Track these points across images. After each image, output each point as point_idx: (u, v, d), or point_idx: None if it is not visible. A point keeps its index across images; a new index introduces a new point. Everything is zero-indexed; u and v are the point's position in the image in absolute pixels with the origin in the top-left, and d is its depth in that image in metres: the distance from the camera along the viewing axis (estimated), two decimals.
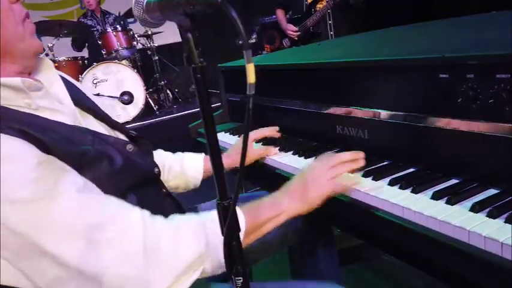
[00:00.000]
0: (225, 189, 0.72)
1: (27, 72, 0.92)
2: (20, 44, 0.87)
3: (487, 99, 0.88)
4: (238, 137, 1.69)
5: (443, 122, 0.97)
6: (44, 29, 4.55)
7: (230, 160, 1.33)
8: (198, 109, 0.69)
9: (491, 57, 0.86)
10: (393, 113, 1.10)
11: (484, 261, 0.74)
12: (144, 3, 0.72)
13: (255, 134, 1.45)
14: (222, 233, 0.73)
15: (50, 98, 0.92)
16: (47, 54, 4.63)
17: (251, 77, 0.58)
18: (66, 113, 0.92)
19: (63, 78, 1.03)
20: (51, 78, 0.97)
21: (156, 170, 1.02)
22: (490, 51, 0.88)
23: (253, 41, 4.91)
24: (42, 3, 6.25)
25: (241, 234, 0.78)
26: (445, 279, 0.88)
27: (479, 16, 1.88)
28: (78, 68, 4.60)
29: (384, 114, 1.13)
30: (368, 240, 1.16)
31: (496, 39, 1.14)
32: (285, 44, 4.23)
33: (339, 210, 1.08)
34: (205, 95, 0.67)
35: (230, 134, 1.78)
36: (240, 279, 0.74)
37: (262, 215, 0.93)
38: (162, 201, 1.06)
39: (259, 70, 1.73)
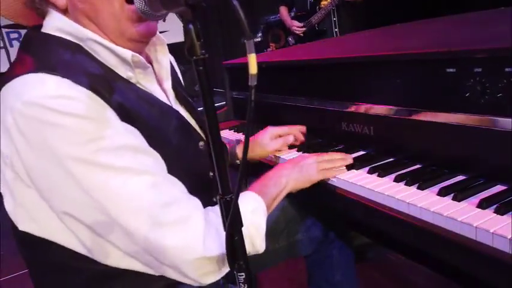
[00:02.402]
0: (228, 184, 0.71)
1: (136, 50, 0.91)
2: (114, 23, 0.85)
3: (495, 94, 0.86)
4: (243, 133, 1.68)
5: (450, 118, 0.95)
6: None
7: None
8: (201, 108, 0.68)
9: (499, 50, 0.85)
10: (399, 108, 1.09)
11: (491, 257, 0.72)
12: None
13: (280, 130, 1.37)
14: (224, 228, 0.72)
15: (152, 78, 0.94)
16: None
17: (253, 68, 0.56)
18: (162, 95, 0.95)
19: (170, 62, 1.04)
20: (160, 58, 0.98)
21: (211, 174, 1.01)
22: (498, 44, 0.86)
23: (259, 39, 4.90)
24: None
25: (264, 215, 0.90)
26: (451, 276, 0.87)
27: (488, 12, 1.85)
28: None
29: (389, 110, 1.11)
30: (373, 238, 1.15)
31: (505, 33, 1.12)
32: (290, 42, 4.21)
33: (346, 207, 1.06)
34: (207, 87, 0.66)
35: (234, 131, 1.77)
36: (242, 275, 0.73)
37: (270, 194, 0.98)
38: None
39: (263, 67, 1.73)
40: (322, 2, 3.95)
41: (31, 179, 0.75)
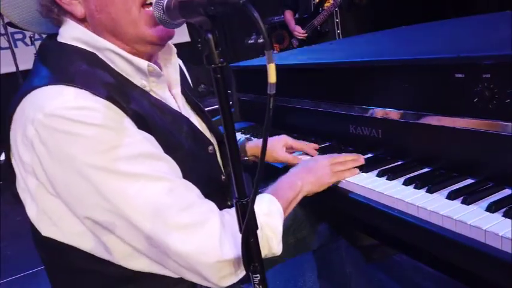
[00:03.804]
0: (243, 188, 0.73)
1: (147, 56, 0.93)
2: (132, 29, 0.87)
3: (504, 99, 0.88)
4: (252, 136, 1.70)
5: (458, 122, 0.97)
6: None
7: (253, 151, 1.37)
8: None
9: (508, 57, 0.86)
10: (407, 112, 1.10)
11: (500, 260, 0.74)
12: (164, 4, 0.74)
13: (294, 143, 1.36)
14: (240, 231, 0.74)
15: (164, 85, 0.97)
16: None
17: (272, 77, 0.59)
18: (172, 102, 0.98)
19: (180, 67, 1.07)
20: (169, 64, 1.01)
21: (223, 177, 1.03)
22: (506, 51, 0.88)
23: (263, 40, 4.90)
24: None
25: (281, 217, 0.92)
26: (460, 278, 0.88)
27: (495, 15, 1.87)
28: None
29: (398, 113, 1.13)
30: (383, 240, 1.17)
31: None
32: (293, 44, 4.23)
33: (354, 210, 1.08)
34: (224, 94, 0.68)
35: (241, 133, 1.79)
36: (257, 277, 0.75)
37: (286, 197, 0.99)
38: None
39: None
40: (325, 4, 3.97)
41: (53, 187, 0.77)
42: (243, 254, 0.75)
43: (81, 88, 0.77)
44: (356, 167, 1.14)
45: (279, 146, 1.34)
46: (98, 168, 0.74)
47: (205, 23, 0.65)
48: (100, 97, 0.77)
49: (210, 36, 0.65)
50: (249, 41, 5.38)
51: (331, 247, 1.35)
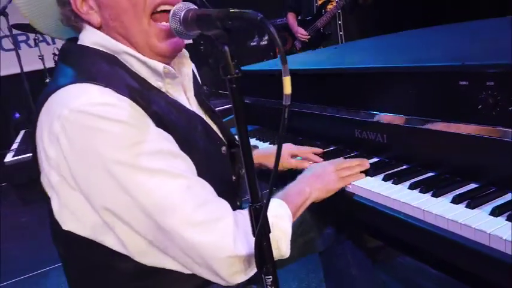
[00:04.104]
0: (257, 193, 0.76)
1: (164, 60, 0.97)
2: (142, 39, 0.92)
3: (507, 106, 0.91)
4: (256, 139, 1.73)
5: (462, 128, 1.00)
6: None
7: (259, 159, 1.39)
8: None
9: (510, 66, 0.89)
10: (412, 118, 1.13)
11: (504, 263, 0.77)
12: (182, 16, 0.77)
13: (298, 151, 1.40)
14: (253, 234, 0.77)
15: (179, 87, 1.01)
16: None
17: (287, 89, 0.61)
18: (186, 103, 1.02)
19: (192, 70, 1.11)
20: (183, 68, 1.05)
21: (234, 177, 1.06)
22: (509, 60, 0.91)
23: (265, 42, 4.95)
24: None
25: (289, 221, 0.94)
26: (464, 280, 0.91)
27: (497, 20, 1.90)
28: None
29: (403, 119, 1.16)
30: (388, 242, 1.19)
31: None
32: (296, 46, 4.26)
33: (361, 212, 1.11)
34: (240, 104, 0.71)
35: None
36: (269, 278, 0.78)
37: (295, 202, 1.02)
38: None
39: (278, 74, 1.76)
40: (328, 6, 4.00)
41: (75, 181, 0.80)
42: (256, 255, 0.77)
43: (105, 86, 0.80)
44: (361, 172, 1.17)
45: (284, 154, 1.37)
46: (119, 163, 0.78)
47: (222, 35, 0.68)
48: (122, 95, 0.81)
49: (226, 48, 0.68)
50: (252, 43, 5.42)
51: (337, 249, 1.37)
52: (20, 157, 4.24)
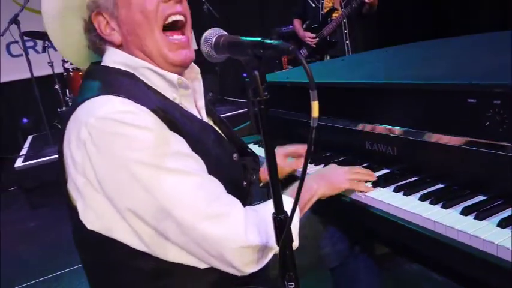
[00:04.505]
0: (281, 204, 0.82)
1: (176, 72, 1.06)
2: (156, 50, 1.01)
3: None
4: (259, 146, 1.81)
5: (470, 143, 1.06)
6: None
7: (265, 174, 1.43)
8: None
9: None
10: (422, 132, 1.19)
11: (510, 271, 0.82)
12: (213, 42, 0.83)
13: (290, 151, 1.50)
14: (277, 243, 0.83)
15: (191, 99, 1.10)
16: (71, 64, 4.79)
17: (315, 112, 0.68)
18: (197, 114, 1.10)
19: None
20: (194, 81, 1.13)
21: (245, 183, 1.14)
22: None
23: None
24: None
25: (297, 215, 0.99)
26: (472, 287, 0.97)
27: (498, 34, 1.96)
28: None
29: (413, 132, 1.22)
30: (398, 250, 1.25)
31: None
32: (302, 54, 4.33)
33: (373, 222, 1.17)
34: (267, 122, 0.77)
35: (259, 146, 1.88)
36: (292, 285, 0.84)
37: (302, 198, 1.08)
38: None
39: (289, 86, 1.84)
40: (334, 14, 4.07)
41: (99, 184, 0.87)
42: (280, 264, 0.83)
43: (126, 97, 0.89)
44: (372, 183, 1.23)
45: (282, 163, 1.44)
46: (139, 163, 0.85)
47: (252, 61, 0.74)
48: (141, 105, 0.89)
49: (256, 73, 0.74)
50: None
51: (350, 265, 1.42)
52: (29, 162, 4.29)
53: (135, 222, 0.89)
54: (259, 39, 0.74)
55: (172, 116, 0.95)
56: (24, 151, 4.90)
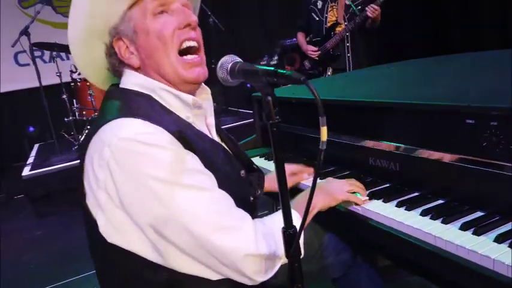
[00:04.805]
0: (291, 219, 0.88)
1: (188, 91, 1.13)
2: (172, 71, 1.08)
3: (509, 144, 1.02)
4: (265, 159, 1.88)
5: (469, 161, 1.11)
6: None
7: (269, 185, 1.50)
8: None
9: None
10: (423, 149, 1.25)
11: (506, 285, 0.88)
12: (229, 69, 0.90)
13: (294, 168, 1.58)
14: (287, 256, 0.89)
15: (202, 118, 1.17)
16: (79, 74, 4.88)
17: (324, 136, 0.73)
18: (207, 131, 1.17)
19: None
20: (205, 100, 1.20)
21: (252, 199, 1.20)
22: (510, 103, 1.02)
23: (275, 62, 5.10)
24: None
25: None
26: None
27: (500, 53, 2.02)
28: None
29: (414, 150, 1.27)
30: (399, 263, 1.30)
31: None
32: (306, 66, 4.40)
33: (376, 236, 1.22)
34: (279, 145, 0.83)
35: (265, 159, 1.94)
36: None
37: (303, 212, 1.13)
38: None
39: (295, 102, 1.89)
40: (337, 28, 4.15)
41: (120, 199, 0.93)
42: (288, 276, 0.89)
43: (145, 120, 0.96)
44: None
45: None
46: (158, 180, 0.92)
47: (266, 88, 0.81)
48: (159, 126, 0.96)
49: (269, 98, 0.80)
50: (261, 62, 5.57)
51: (353, 276, 1.47)
52: (36, 171, 4.36)
53: (152, 235, 0.95)
54: (273, 68, 0.80)
55: (186, 135, 1.01)
56: (31, 160, 4.98)
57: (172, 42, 1.07)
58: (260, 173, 1.31)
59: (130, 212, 0.94)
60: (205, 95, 1.21)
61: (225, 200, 1.01)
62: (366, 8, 3.81)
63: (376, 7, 3.76)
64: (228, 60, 0.92)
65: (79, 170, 1.04)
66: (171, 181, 0.93)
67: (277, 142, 0.84)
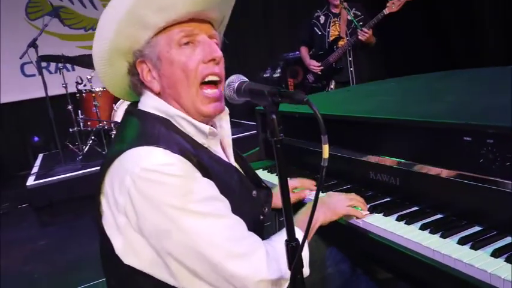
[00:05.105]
0: (294, 233, 0.92)
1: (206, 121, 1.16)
2: (191, 104, 1.10)
3: (505, 162, 1.06)
4: (276, 175, 1.88)
5: (466, 177, 1.15)
6: (83, 61, 4.88)
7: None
8: None
9: (507, 128, 1.05)
10: (422, 165, 1.28)
11: None
12: (235, 88, 0.94)
13: (296, 183, 1.63)
14: (289, 268, 0.92)
15: (217, 142, 1.20)
16: (84, 85, 4.95)
17: (325, 153, 0.77)
18: (222, 154, 1.20)
19: None
20: (224, 124, 1.24)
21: (261, 217, 1.24)
22: (507, 122, 1.06)
23: (278, 75, 5.17)
24: (77, 34, 6.68)
25: (306, 246, 1.05)
26: None
27: (502, 70, 2.06)
28: (113, 97, 4.90)
29: (413, 165, 1.31)
30: (398, 275, 1.33)
31: None
32: (309, 79, 4.46)
33: (376, 249, 1.25)
34: (283, 160, 0.87)
35: (268, 171, 1.97)
36: None
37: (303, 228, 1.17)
38: None
39: (297, 116, 1.93)
40: (339, 42, 4.22)
41: (140, 225, 0.97)
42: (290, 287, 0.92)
43: (165, 149, 0.99)
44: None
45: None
46: (177, 208, 0.95)
47: (271, 107, 0.85)
48: (178, 154, 1.00)
49: (274, 116, 0.85)
50: (264, 75, 5.64)
51: (352, 287, 1.49)
52: (40, 181, 4.40)
53: (169, 260, 0.98)
54: (277, 89, 0.85)
55: (203, 161, 1.05)
56: (35, 169, 5.02)
57: (196, 76, 1.08)
58: (268, 190, 1.34)
59: (148, 237, 0.98)
60: (223, 116, 1.24)
61: (239, 225, 1.04)
62: (358, 31, 3.89)
63: (366, 30, 3.84)
64: (235, 80, 0.97)
65: (96, 190, 1.07)
66: (188, 210, 0.96)
67: (281, 158, 0.88)
